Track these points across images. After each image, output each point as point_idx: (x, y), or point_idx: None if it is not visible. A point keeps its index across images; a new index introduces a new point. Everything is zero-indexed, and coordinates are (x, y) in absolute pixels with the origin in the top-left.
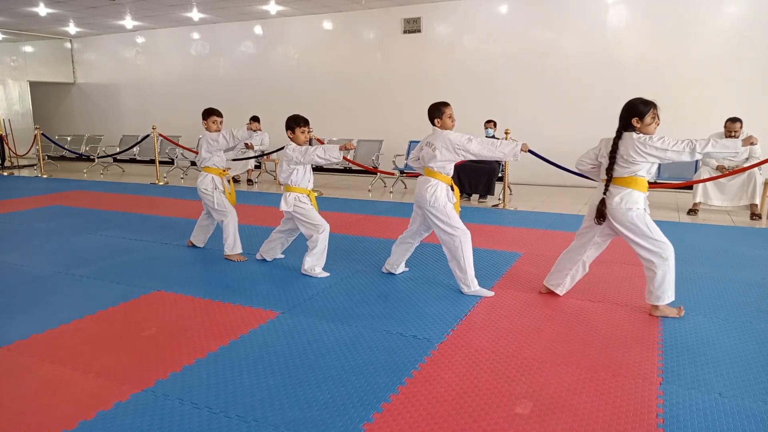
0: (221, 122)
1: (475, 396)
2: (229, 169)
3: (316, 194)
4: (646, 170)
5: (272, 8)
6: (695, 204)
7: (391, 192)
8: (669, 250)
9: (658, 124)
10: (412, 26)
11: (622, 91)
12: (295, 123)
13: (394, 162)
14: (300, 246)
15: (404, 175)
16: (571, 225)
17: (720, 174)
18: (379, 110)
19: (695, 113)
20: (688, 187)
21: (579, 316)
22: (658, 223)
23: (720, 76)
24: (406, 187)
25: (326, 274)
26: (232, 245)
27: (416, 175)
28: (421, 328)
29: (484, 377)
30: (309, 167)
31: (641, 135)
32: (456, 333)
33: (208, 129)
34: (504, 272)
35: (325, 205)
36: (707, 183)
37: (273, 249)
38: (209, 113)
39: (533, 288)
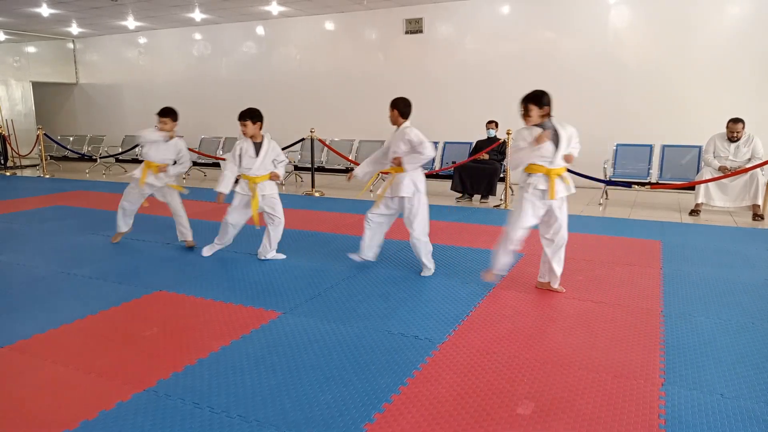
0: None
1: (477, 396)
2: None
3: (317, 194)
4: (526, 157)
5: (274, 9)
6: (697, 204)
7: None
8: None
9: (528, 117)
10: (414, 27)
11: (624, 91)
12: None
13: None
14: (303, 247)
15: None
16: (574, 226)
17: (722, 174)
18: (381, 111)
19: (697, 113)
20: (690, 187)
21: (581, 317)
22: (661, 223)
23: (722, 75)
24: None
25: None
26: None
27: None
28: (423, 328)
29: (485, 378)
30: (235, 157)
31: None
32: (457, 333)
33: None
34: (506, 273)
35: (326, 205)
36: (709, 183)
37: (263, 245)
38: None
39: (535, 289)
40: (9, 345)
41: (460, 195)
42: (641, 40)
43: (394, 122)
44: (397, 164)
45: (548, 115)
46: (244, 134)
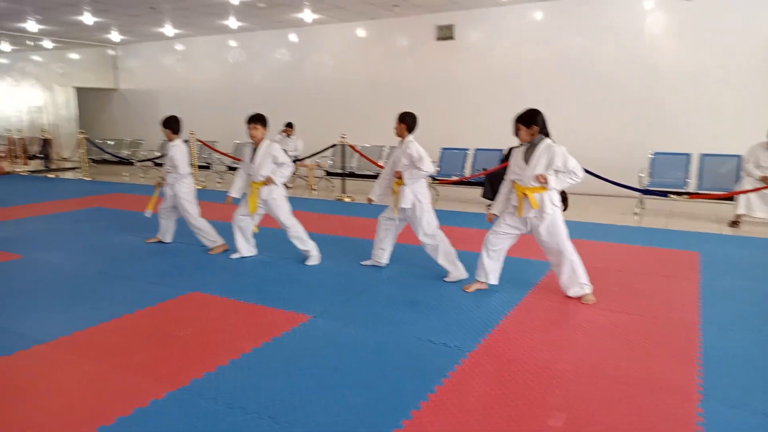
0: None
1: (507, 406)
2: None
3: (348, 200)
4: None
5: (307, 16)
6: (738, 216)
7: None
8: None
9: (518, 135)
10: (445, 33)
11: (660, 97)
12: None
13: None
14: (333, 252)
15: (436, 181)
16: (607, 234)
17: (764, 185)
18: None
19: (735, 120)
20: (730, 198)
21: (615, 328)
22: (699, 234)
23: (763, 82)
24: (438, 194)
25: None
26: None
27: (450, 182)
28: (452, 336)
29: (515, 388)
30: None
31: None
32: (487, 342)
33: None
34: (537, 282)
35: (357, 210)
36: (750, 194)
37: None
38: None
39: (567, 299)
40: (50, 341)
41: (491, 203)
42: (678, 45)
43: (400, 135)
44: (398, 177)
45: (539, 133)
46: (253, 138)
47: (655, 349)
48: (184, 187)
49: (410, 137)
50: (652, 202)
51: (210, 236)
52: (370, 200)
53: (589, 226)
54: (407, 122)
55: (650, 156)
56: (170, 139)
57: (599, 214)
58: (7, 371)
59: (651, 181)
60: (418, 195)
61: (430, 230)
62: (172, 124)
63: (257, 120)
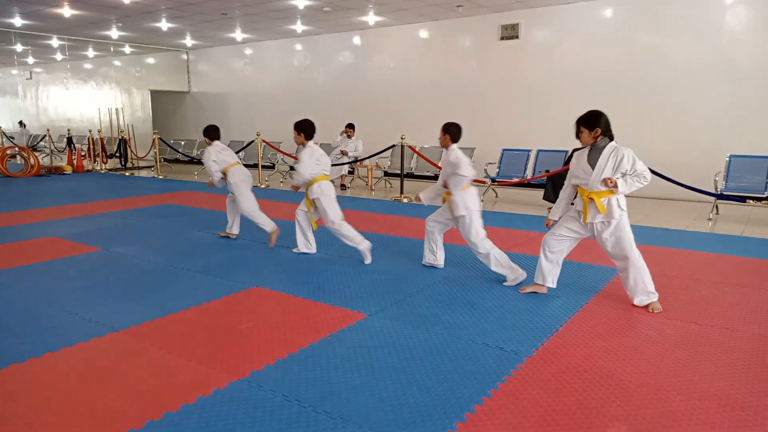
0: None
1: (564, 415)
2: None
3: (405, 200)
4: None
5: (371, 19)
6: None
7: (481, 200)
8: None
9: (579, 138)
10: (510, 33)
11: (739, 97)
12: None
13: (485, 170)
14: (390, 251)
15: (495, 183)
16: (678, 240)
17: None
18: (473, 118)
19: None
20: None
21: (683, 339)
22: None
23: None
24: (497, 196)
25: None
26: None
27: (510, 184)
28: (508, 340)
29: (574, 396)
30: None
31: None
32: (546, 348)
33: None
34: (601, 288)
35: (414, 211)
36: None
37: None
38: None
39: (632, 306)
40: (123, 329)
41: (552, 206)
42: (759, 42)
43: (444, 145)
44: (445, 186)
45: (602, 136)
46: (298, 144)
47: (725, 361)
48: (236, 176)
49: (454, 146)
50: (728, 207)
51: (260, 220)
52: (418, 198)
53: (659, 232)
54: (451, 133)
55: (726, 159)
56: (209, 146)
57: (670, 219)
58: (85, 356)
59: (727, 185)
60: (468, 203)
61: (478, 239)
62: (209, 133)
63: (294, 126)
